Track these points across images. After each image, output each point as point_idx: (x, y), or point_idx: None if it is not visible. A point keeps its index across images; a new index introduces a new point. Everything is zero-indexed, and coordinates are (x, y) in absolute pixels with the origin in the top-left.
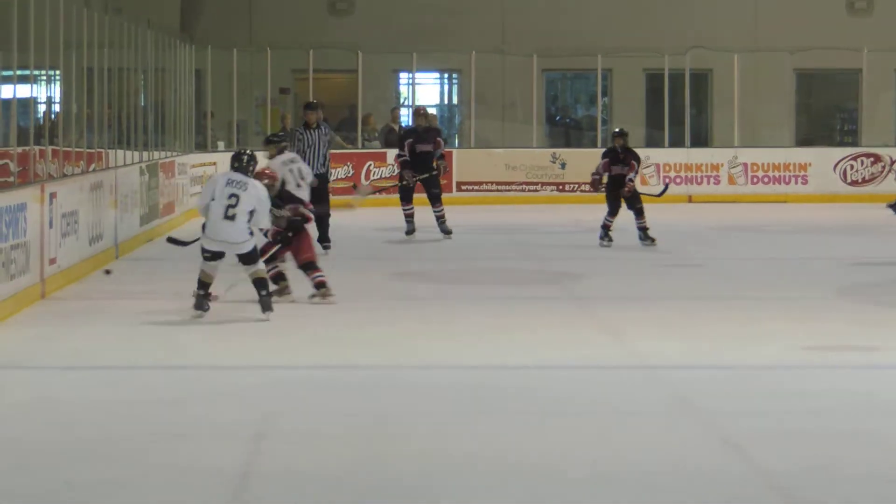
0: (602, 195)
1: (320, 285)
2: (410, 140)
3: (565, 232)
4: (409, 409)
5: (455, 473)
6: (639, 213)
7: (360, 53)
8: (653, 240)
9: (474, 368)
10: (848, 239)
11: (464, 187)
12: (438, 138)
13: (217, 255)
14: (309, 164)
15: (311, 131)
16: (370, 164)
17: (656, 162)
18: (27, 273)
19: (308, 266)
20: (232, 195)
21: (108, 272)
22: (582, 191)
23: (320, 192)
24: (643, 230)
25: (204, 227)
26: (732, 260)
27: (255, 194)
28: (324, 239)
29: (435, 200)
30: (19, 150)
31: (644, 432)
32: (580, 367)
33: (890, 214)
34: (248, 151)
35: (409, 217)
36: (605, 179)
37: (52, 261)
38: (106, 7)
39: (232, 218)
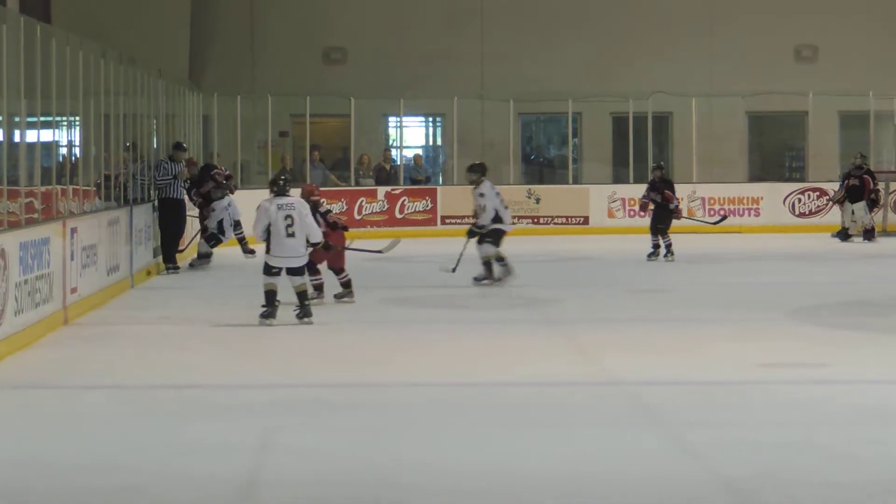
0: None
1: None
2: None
3: (540, 261)
4: (400, 424)
5: (443, 483)
6: (663, 233)
7: (352, 99)
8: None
9: (455, 386)
10: (797, 266)
11: (447, 221)
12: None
13: (279, 271)
14: (174, 190)
15: (175, 164)
16: (362, 200)
17: (622, 196)
18: (51, 301)
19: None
20: (287, 216)
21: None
22: (555, 223)
23: (177, 215)
24: (668, 247)
25: (268, 248)
26: (693, 285)
27: (303, 210)
28: (170, 260)
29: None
30: (43, 188)
31: (611, 443)
32: (552, 384)
33: (836, 242)
34: (283, 177)
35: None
36: (651, 205)
37: (74, 290)
38: (121, 58)
39: (293, 235)
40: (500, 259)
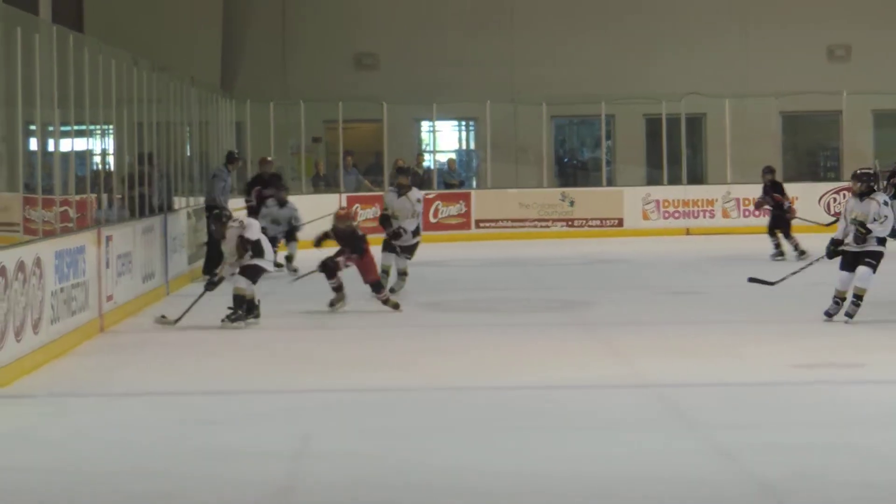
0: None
1: (386, 301)
2: None
3: (574, 264)
4: (436, 426)
5: (479, 484)
6: (786, 235)
7: (384, 104)
8: (803, 252)
9: (491, 389)
10: (833, 266)
11: (481, 224)
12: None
13: None
14: (224, 198)
15: (232, 174)
16: None
17: (656, 198)
18: (87, 309)
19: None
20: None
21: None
22: (589, 226)
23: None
24: (795, 247)
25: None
26: (727, 287)
27: None
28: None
29: None
30: (78, 197)
31: (646, 445)
32: (587, 386)
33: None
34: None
35: None
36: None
37: (109, 298)
38: (153, 66)
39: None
40: (405, 274)
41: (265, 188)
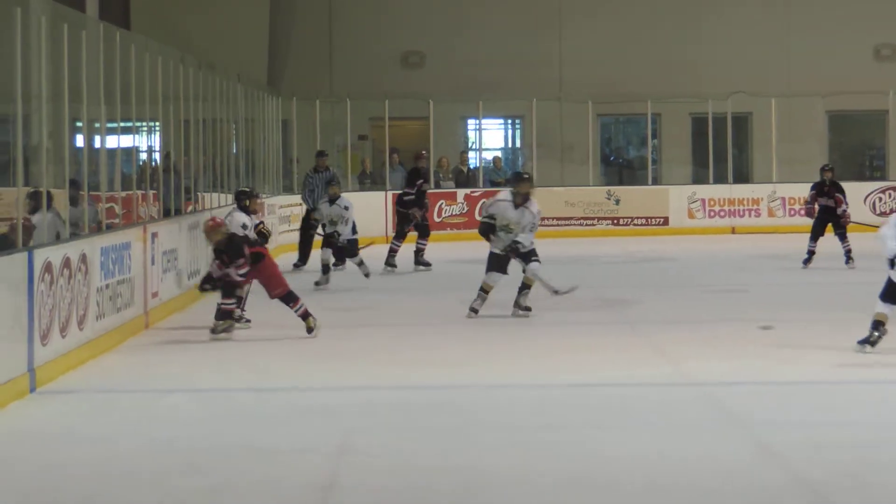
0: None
1: (304, 316)
2: None
3: (620, 262)
4: (479, 425)
5: (522, 483)
6: (842, 238)
7: (431, 102)
8: (852, 260)
9: (537, 387)
10: (877, 264)
11: None
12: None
13: None
14: (315, 199)
15: (319, 174)
16: (442, 203)
17: (702, 197)
18: (132, 306)
19: (286, 298)
20: None
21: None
22: (635, 224)
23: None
24: (847, 252)
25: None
26: (773, 286)
27: None
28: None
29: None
30: (123, 194)
31: (692, 443)
32: (633, 385)
33: None
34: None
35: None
36: (816, 209)
37: (155, 294)
38: (200, 64)
39: None
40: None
41: (426, 181)
